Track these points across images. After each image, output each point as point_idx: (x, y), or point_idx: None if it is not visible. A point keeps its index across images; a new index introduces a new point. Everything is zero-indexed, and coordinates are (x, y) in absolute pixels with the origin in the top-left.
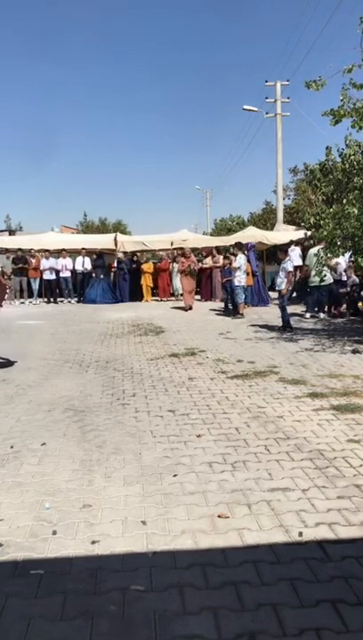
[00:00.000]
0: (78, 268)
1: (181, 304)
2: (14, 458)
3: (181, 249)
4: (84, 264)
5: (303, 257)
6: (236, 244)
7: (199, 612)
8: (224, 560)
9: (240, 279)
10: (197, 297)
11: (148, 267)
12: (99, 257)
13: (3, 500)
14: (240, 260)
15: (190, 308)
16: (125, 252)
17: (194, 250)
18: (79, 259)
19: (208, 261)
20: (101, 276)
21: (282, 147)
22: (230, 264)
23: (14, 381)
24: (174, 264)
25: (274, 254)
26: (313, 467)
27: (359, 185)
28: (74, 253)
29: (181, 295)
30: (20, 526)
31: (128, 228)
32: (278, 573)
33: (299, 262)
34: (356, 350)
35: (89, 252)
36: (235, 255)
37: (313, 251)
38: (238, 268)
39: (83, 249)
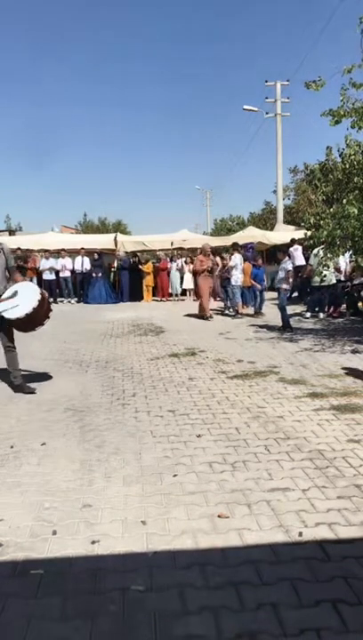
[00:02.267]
0: (78, 267)
1: (183, 306)
2: (14, 458)
3: (181, 248)
4: (83, 264)
5: (305, 257)
6: (232, 244)
7: (199, 612)
8: (224, 560)
9: (237, 278)
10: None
11: (147, 267)
12: (98, 257)
13: (3, 500)
14: (236, 259)
15: (211, 317)
16: (125, 252)
17: (193, 250)
18: (78, 258)
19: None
20: (100, 274)
21: (282, 147)
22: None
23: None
24: (173, 263)
25: (274, 254)
26: (313, 467)
27: (360, 185)
28: (74, 253)
29: (180, 296)
30: (20, 526)
31: (128, 228)
32: (278, 573)
33: (302, 261)
34: (356, 350)
35: (88, 252)
36: (231, 255)
37: (315, 251)
38: (234, 266)
39: (82, 249)
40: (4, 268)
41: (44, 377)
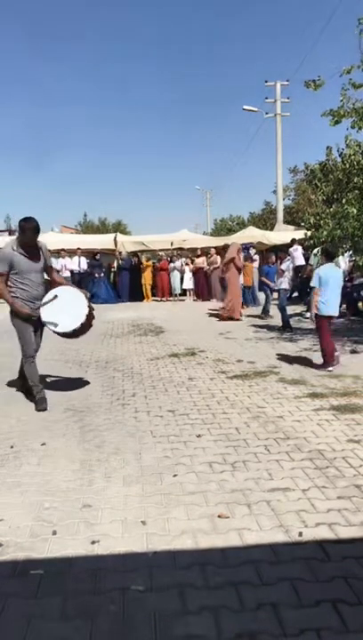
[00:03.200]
0: (75, 267)
1: (183, 306)
2: (14, 458)
3: (181, 248)
4: (80, 264)
5: (305, 257)
6: (224, 244)
7: (199, 612)
8: (224, 560)
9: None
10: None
11: (147, 263)
12: (99, 257)
13: (3, 500)
14: None
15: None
16: (127, 253)
17: (193, 250)
18: (75, 259)
19: (200, 261)
20: (102, 274)
21: (282, 147)
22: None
23: (14, 381)
24: (172, 264)
25: (275, 254)
26: (313, 467)
27: (359, 185)
28: (72, 253)
29: (179, 296)
30: (20, 526)
31: (128, 228)
32: (278, 573)
33: (302, 261)
34: (354, 350)
35: (84, 252)
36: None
37: (315, 251)
38: None
39: (78, 249)
40: (43, 270)
41: (44, 377)
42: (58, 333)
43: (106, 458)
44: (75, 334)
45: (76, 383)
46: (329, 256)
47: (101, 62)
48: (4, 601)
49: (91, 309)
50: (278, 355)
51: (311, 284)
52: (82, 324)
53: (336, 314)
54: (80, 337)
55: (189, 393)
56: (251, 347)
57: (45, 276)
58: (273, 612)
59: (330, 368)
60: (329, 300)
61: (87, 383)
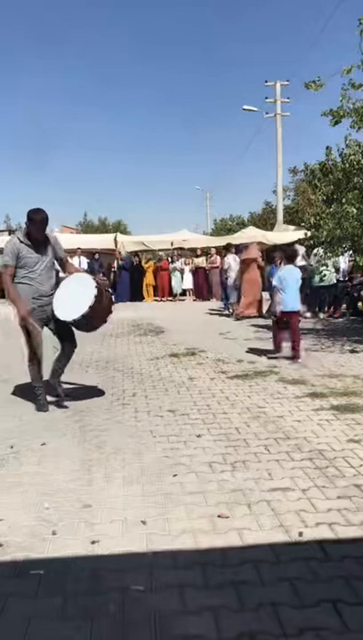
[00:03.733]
0: None
1: (183, 306)
2: (14, 458)
3: (181, 248)
4: (80, 264)
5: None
6: (226, 244)
7: (199, 612)
8: (224, 560)
9: (232, 279)
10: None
11: (148, 265)
12: (98, 257)
13: (3, 500)
14: (228, 260)
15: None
16: (127, 252)
17: (193, 250)
18: (75, 259)
19: (200, 261)
20: (102, 275)
21: (282, 147)
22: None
23: (14, 381)
24: (173, 264)
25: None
26: (313, 467)
27: (359, 185)
28: (73, 253)
29: (179, 296)
30: (20, 526)
31: (128, 228)
32: (278, 573)
33: (302, 262)
34: (353, 350)
35: (84, 252)
36: (224, 256)
37: (315, 251)
38: (228, 268)
39: (78, 248)
40: (51, 264)
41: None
42: (72, 325)
43: (106, 458)
44: (87, 321)
45: (76, 383)
46: (289, 258)
47: (101, 62)
48: (4, 601)
49: (101, 292)
50: (278, 354)
51: (273, 283)
52: (90, 307)
53: (296, 309)
54: (100, 327)
55: (189, 393)
56: (251, 346)
57: (55, 276)
58: (273, 612)
59: (276, 355)
60: (287, 299)
61: (87, 383)
